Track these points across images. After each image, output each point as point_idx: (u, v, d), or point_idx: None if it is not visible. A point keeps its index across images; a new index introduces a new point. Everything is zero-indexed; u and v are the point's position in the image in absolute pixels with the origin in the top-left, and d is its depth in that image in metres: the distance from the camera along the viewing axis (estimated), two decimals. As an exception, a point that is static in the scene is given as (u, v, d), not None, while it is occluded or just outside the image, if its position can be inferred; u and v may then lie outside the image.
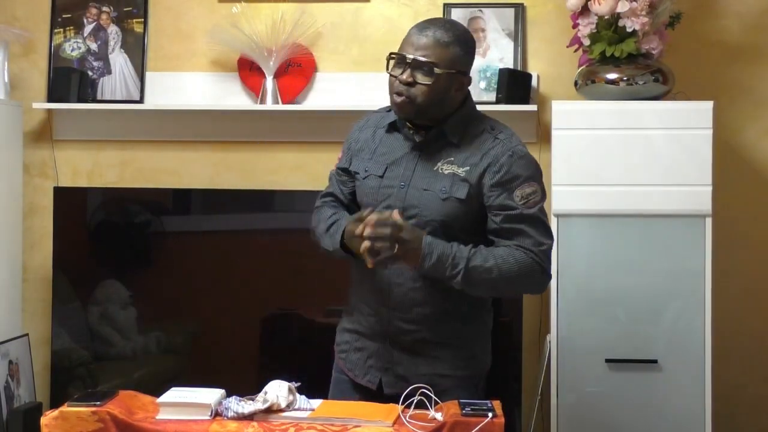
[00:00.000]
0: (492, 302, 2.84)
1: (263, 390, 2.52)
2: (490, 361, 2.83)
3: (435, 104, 2.65)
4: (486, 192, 2.63)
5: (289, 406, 2.51)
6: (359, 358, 2.81)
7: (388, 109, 2.81)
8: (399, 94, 2.65)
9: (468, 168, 2.65)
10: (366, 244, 2.53)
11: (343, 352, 2.87)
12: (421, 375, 2.68)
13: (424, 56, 2.62)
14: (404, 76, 2.64)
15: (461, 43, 2.67)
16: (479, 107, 3.86)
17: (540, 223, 2.63)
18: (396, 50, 2.68)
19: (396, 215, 2.55)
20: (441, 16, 3.95)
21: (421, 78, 2.62)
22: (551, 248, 2.64)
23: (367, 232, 2.52)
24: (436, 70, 2.61)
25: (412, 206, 2.66)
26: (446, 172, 2.67)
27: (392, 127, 2.78)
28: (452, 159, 2.68)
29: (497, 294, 2.80)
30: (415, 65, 2.63)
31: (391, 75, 2.68)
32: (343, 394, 2.82)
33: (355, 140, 2.84)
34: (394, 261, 2.57)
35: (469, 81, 2.72)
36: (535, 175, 2.67)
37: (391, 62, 2.68)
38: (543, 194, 2.67)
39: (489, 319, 2.83)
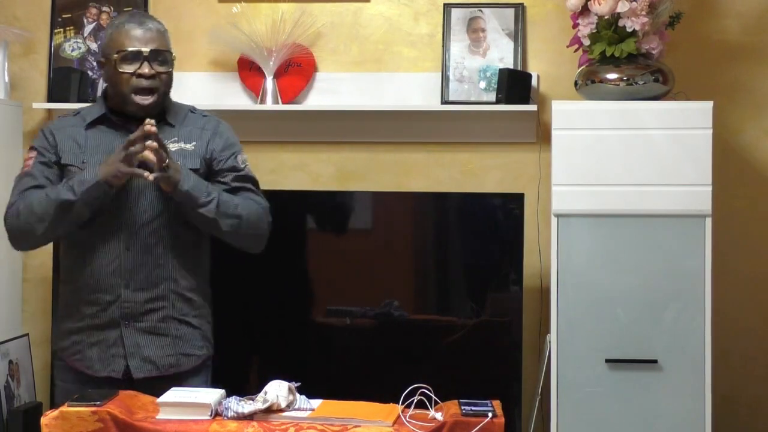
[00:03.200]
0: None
1: (263, 390, 2.52)
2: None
3: (168, 91, 2.98)
4: (216, 156, 2.97)
5: (289, 406, 2.51)
6: (99, 351, 2.90)
7: (75, 113, 3.02)
8: (145, 91, 2.86)
9: (195, 143, 2.95)
10: (149, 155, 2.75)
11: (78, 353, 2.93)
12: (167, 356, 2.88)
13: (156, 47, 2.89)
14: (146, 70, 2.85)
15: (163, 26, 2.99)
16: (479, 107, 3.92)
17: (257, 185, 3.03)
18: (129, 48, 2.86)
19: (150, 127, 2.76)
20: (441, 15, 3.96)
21: (159, 67, 2.89)
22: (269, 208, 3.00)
23: (151, 142, 2.74)
24: (171, 57, 2.93)
25: (151, 183, 2.83)
26: (174, 149, 2.90)
27: (92, 124, 2.95)
28: (176, 139, 2.94)
29: (239, 237, 2.95)
30: (154, 56, 2.86)
31: (123, 73, 2.85)
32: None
33: (58, 140, 2.94)
34: (165, 176, 2.78)
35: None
36: (240, 145, 3.08)
37: (122, 62, 2.85)
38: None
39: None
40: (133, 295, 2.88)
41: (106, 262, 2.88)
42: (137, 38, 2.87)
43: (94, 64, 4.10)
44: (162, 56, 2.89)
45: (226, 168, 2.98)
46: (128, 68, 2.86)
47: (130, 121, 2.91)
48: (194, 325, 2.97)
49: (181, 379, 2.87)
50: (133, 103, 2.88)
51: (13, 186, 2.97)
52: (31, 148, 2.98)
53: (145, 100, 2.88)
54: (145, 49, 2.86)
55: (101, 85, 4.09)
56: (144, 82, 2.87)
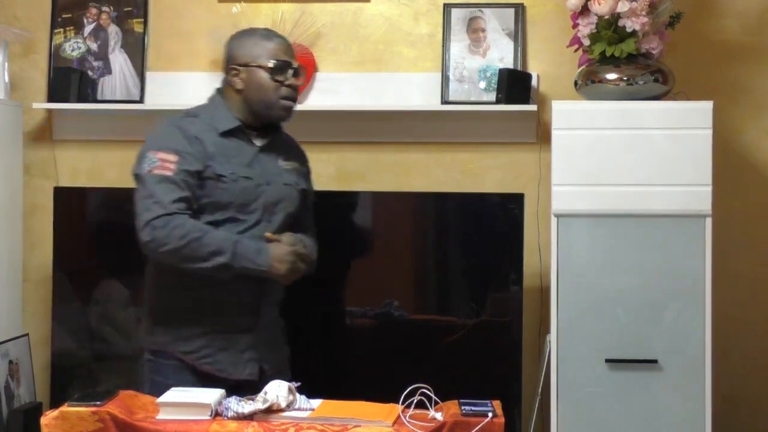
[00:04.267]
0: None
1: (263, 390, 2.52)
2: None
3: None
4: (305, 178, 3.16)
5: (289, 406, 2.51)
6: (228, 355, 2.95)
7: (194, 116, 3.00)
8: (291, 98, 2.99)
9: (299, 163, 3.12)
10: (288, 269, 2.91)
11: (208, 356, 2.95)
12: (286, 359, 3.08)
13: (295, 61, 3.03)
14: (293, 81, 2.99)
15: None
16: (479, 107, 3.92)
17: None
18: (282, 59, 2.99)
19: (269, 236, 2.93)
20: (441, 15, 3.96)
21: (299, 81, 3.04)
22: None
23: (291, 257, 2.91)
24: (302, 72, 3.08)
25: (281, 200, 2.99)
26: (289, 167, 3.06)
27: (228, 133, 2.96)
28: (286, 156, 3.08)
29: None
30: (297, 72, 3.03)
31: (275, 81, 2.97)
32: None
33: (203, 146, 2.91)
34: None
35: None
36: None
37: (276, 70, 2.97)
38: None
39: None
40: (267, 308, 3.02)
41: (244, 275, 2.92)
42: (285, 51, 3.02)
43: (94, 64, 4.11)
44: (302, 73, 3.06)
45: (308, 191, 3.18)
46: (280, 77, 2.98)
47: (255, 133, 3.03)
48: (283, 327, 3.13)
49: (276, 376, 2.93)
50: (280, 108, 3.00)
51: (148, 184, 2.85)
52: (169, 149, 2.87)
53: (291, 104, 3.02)
54: (294, 63, 3.01)
55: (101, 85, 4.09)
56: (291, 92, 3.01)
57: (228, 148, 2.95)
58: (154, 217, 2.82)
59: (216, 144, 2.93)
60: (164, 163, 2.85)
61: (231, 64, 3.01)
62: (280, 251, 2.88)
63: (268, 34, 3.06)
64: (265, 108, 2.99)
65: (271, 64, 2.96)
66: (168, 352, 2.93)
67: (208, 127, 2.95)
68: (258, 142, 3.02)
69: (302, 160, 3.17)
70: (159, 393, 2.63)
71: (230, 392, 2.65)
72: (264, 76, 2.97)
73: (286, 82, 2.98)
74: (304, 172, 3.15)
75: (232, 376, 2.90)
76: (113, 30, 4.11)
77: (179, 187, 2.84)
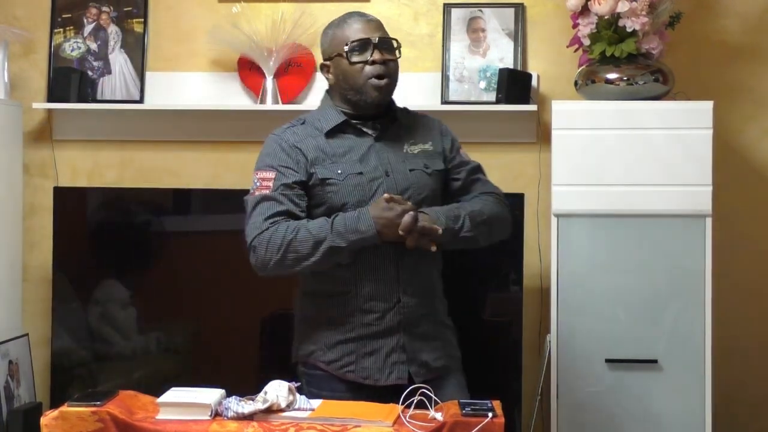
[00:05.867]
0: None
1: (263, 390, 2.52)
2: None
3: (396, 83, 2.88)
4: (448, 155, 2.92)
5: (289, 406, 2.51)
6: (374, 360, 2.79)
7: (301, 122, 2.88)
8: (380, 76, 2.80)
9: (431, 142, 2.90)
10: (410, 222, 2.66)
11: (351, 364, 2.81)
12: (438, 358, 2.84)
13: (383, 36, 2.84)
14: (378, 57, 2.79)
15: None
16: (479, 107, 3.92)
17: (483, 169, 3.01)
18: (357, 38, 2.81)
19: (387, 196, 2.70)
20: (441, 15, 3.96)
21: (390, 55, 2.83)
22: None
23: (408, 219, 2.66)
24: (397, 45, 2.87)
25: (405, 189, 2.79)
26: (416, 151, 2.87)
27: (332, 132, 2.84)
28: (414, 140, 2.88)
29: (491, 238, 2.89)
30: (385, 44, 2.82)
31: (356, 63, 2.79)
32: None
33: (305, 152, 2.81)
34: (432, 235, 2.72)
35: None
36: None
37: (352, 52, 2.80)
38: None
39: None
40: (411, 300, 2.80)
41: (383, 271, 2.78)
42: (362, 29, 2.82)
43: (94, 64, 4.11)
44: (388, 43, 2.83)
45: (457, 164, 2.93)
46: (359, 58, 2.79)
47: (367, 124, 2.85)
48: (451, 327, 2.92)
49: (444, 378, 2.81)
50: (369, 89, 2.79)
51: (249, 208, 2.79)
52: (267, 167, 2.81)
53: (380, 82, 2.79)
54: (374, 37, 2.80)
55: (101, 85, 4.09)
56: (378, 68, 2.79)
57: (336, 148, 2.81)
58: (251, 239, 2.74)
59: (320, 147, 2.81)
60: (263, 182, 2.80)
61: (322, 61, 2.90)
62: (378, 205, 2.69)
63: (346, 17, 2.89)
64: (356, 94, 2.81)
65: (346, 48, 2.79)
66: (313, 362, 2.84)
67: (314, 131, 2.83)
68: (372, 133, 2.84)
69: (433, 137, 2.91)
70: None
71: (381, 399, 2.59)
72: (344, 62, 2.80)
73: (370, 60, 2.78)
74: (439, 151, 2.89)
75: (378, 382, 2.76)
76: (113, 30, 4.11)
77: (278, 202, 2.75)
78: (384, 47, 2.81)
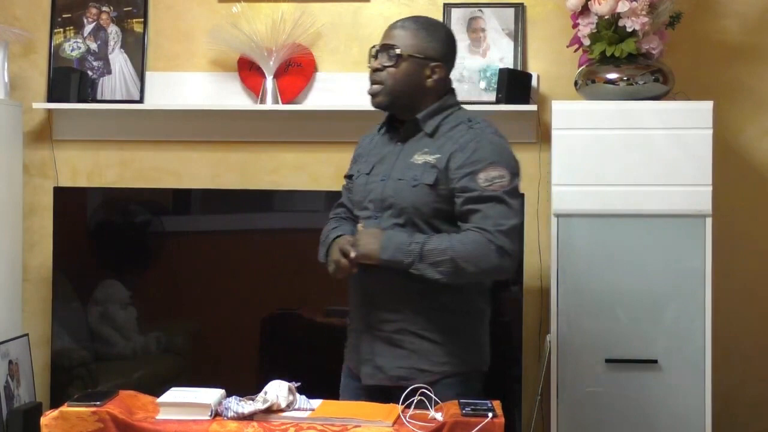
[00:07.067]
0: (490, 300, 2.85)
1: (263, 390, 2.52)
2: (487, 359, 2.83)
3: (405, 90, 2.78)
4: (451, 175, 2.69)
5: (289, 406, 2.51)
6: (351, 350, 2.89)
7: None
8: (371, 83, 2.82)
9: (439, 155, 2.72)
10: (330, 267, 2.79)
11: (346, 348, 2.94)
12: (398, 367, 2.74)
13: (387, 42, 2.79)
14: (373, 64, 2.81)
15: (428, 30, 2.80)
16: (479, 107, 3.90)
17: (502, 203, 2.67)
18: (373, 47, 2.85)
19: (360, 227, 2.76)
20: (441, 16, 3.96)
21: (385, 61, 2.77)
22: (515, 228, 2.68)
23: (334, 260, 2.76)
24: (398, 51, 2.75)
25: (389, 197, 2.75)
26: (419, 161, 2.74)
27: (383, 128, 2.90)
28: (427, 150, 2.75)
29: (463, 278, 2.68)
30: (381, 50, 2.79)
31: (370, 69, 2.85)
32: (351, 398, 2.84)
33: (358, 149, 2.98)
34: (353, 266, 2.72)
35: (444, 72, 2.81)
36: (504, 160, 2.72)
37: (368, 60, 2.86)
38: (512, 181, 2.71)
39: (482, 314, 2.84)
40: (377, 306, 2.78)
41: (358, 278, 2.80)
42: (383, 37, 2.84)
43: (94, 64, 4.11)
44: (384, 50, 2.79)
45: (458, 188, 2.68)
46: (369, 65, 2.86)
47: (399, 128, 2.84)
48: (434, 341, 2.74)
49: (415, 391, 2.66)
50: (370, 94, 2.84)
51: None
52: None
53: (369, 90, 2.82)
54: (377, 45, 2.83)
55: (101, 85, 4.10)
56: (372, 74, 2.82)
57: (371, 147, 2.90)
58: None
59: (365, 144, 2.94)
60: None
61: None
62: (339, 242, 2.77)
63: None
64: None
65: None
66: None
67: (377, 127, 2.95)
68: (396, 138, 2.85)
69: (446, 151, 2.72)
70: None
71: (369, 398, 2.65)
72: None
73: (369, 67, 2.85)
74: (441, 167, 2.70)
75: (360, 375, 2.83)
76: (113, 30, 4.11)
77: (342, 194, 2.98)
78: (380, 54, 2.81)
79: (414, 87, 2.77)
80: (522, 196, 3.67)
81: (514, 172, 2.73)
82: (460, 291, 2.74)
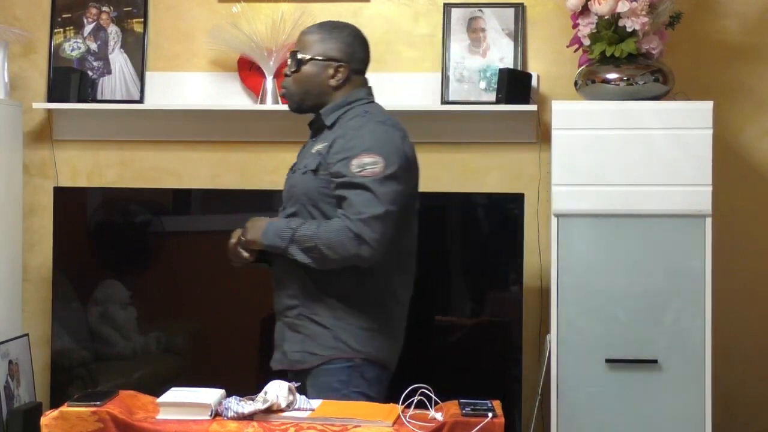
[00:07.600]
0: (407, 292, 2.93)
1: (263, 390, 2.52)
2: (387, 350, 2.88)
3: (309, 92, 2.92)
4: (329, 160, 2.80)
5: (289, 406, 2.51)
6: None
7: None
8: (283, 89, 2.97)
9: (327, 143, 2.83)
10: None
11: None
12: (295, 351, 2.85)
13: (293, 49, 2.96)
14: (284, 69, 2.97)
15: (331, 33, 2.96)
16: (480, 107, 3.91)
17: (368, 191, 2.71)
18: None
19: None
20: (441, 15, 3.96)
21: (292, 67, 2.93)
22: (378, 217, 2.70)
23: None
24: (299, 57, 2.91)
25: (291, 187, 2.92)
26: (313, 151, 2.88)
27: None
28: (321, 140, 2.88)
29: (329, 264, 2.76)
30: (290, 58, 2.95)
31: None
32: None
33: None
34: (251, 255, 2.89)
35: (348, 70, 2.92)
36: (381, 147, 2.77)
37: None
38: (387, 168, 2.74)
39: (385, 305, 2.88)
40: (280, 293, 2.93)
41: (276, 266, 2.95)
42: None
43: (94, 64, 4.11)
44: (294, 56, 2.95)
45: (333, 173, 2.77)
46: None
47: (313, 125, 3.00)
48: (325, 326, 2.82)
49: (310, 375, 2.83)
50: None
51: None
52: None
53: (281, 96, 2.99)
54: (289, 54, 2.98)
55: (101, 85, 4.10)
56: (282, 83, 3.01)
57: (305, 146, 3.04)
58: None
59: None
60: None
61: None
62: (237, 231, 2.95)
63: None
64: None
65: None
66: None
67: None
68: (311, 134, 3.04)
69: (333, 139, 2.82)
70: None
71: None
72: None
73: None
74: (324, 153, 2.82)
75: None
76: (113, 30, 4.11)
77: None
78: (289, 61, 2.95)
79: (318, 87, 2.91)
80: (521, 195, 3.73)
81: (392, 160, 2.75)
82: (362, 281, 2.81)
